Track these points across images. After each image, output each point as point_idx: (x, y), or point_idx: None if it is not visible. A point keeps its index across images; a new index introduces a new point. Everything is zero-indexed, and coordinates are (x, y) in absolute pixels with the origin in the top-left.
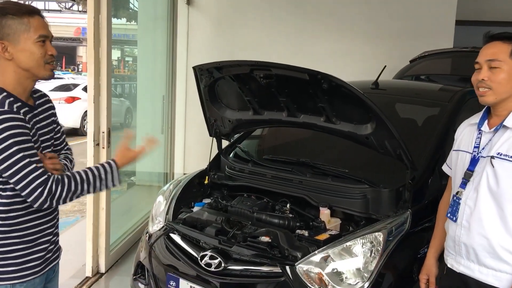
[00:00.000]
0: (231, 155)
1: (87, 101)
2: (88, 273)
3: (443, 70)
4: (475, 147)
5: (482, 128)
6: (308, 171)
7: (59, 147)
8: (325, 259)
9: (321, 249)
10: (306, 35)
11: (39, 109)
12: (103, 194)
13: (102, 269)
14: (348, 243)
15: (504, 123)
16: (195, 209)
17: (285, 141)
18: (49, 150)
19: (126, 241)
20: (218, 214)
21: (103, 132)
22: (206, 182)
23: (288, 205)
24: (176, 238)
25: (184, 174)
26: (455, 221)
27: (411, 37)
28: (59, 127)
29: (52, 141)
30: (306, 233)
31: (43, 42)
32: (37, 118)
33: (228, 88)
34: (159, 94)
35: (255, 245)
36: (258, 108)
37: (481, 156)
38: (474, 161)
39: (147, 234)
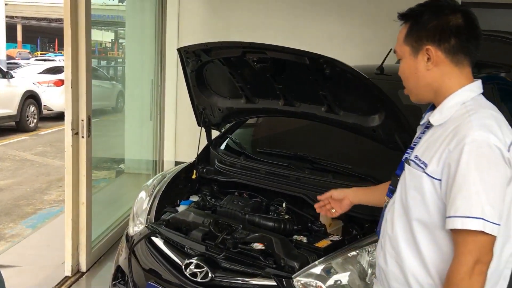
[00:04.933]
0: (221, 147)
1: (64, 87)
2: (68, 272)
3: None
4: (410, 147)
5: (420, 123)
6: (306, 167)
7: None
8: (327, 271)
9: (322, 259)
10: (304, 18)
11: None
12: (82, 187)
13: (83, 267)
14: (353, 253)
15: (429, 119)
16: (181, 208)
17: (281, 132)
18: None
19: (110, 237)
20: (205, 215)
21: (82, 120)
22: (194, 176)
23: (284, 205)
24: (158, 242)
25: (176, 162)
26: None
27: None
28: None
29: None
30: (304, 239)
31: None
32: None
33: (218, 73)
34: (148, 78)
35: (246, 252)
36: (251, 95)
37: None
38: (401, 165)
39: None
